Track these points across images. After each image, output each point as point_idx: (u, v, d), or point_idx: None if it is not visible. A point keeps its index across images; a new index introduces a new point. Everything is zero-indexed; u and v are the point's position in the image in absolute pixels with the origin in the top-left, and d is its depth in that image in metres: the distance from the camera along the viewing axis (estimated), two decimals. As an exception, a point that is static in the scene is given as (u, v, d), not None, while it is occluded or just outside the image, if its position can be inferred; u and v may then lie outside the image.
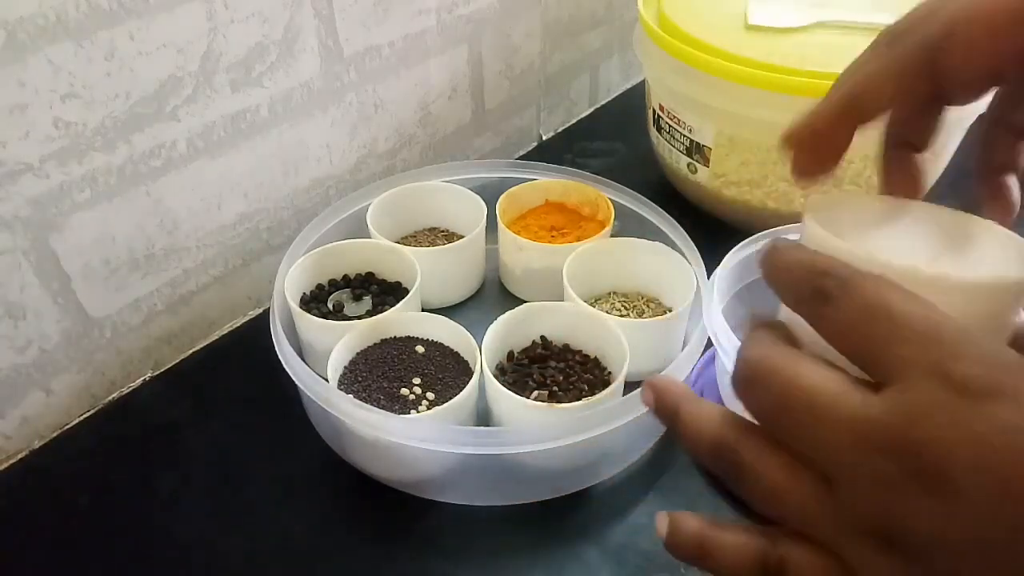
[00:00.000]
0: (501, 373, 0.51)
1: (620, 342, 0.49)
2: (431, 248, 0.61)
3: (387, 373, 0.50)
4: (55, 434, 0.53)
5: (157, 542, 0.46)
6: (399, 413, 0.47)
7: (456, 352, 0.52)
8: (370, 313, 0.56)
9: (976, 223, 0.27)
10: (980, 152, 0.30)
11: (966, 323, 0.21)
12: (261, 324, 0.52)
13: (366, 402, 0.47)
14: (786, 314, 0.25)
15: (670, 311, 0.56)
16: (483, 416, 0.50)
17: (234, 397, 0.55)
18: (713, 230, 0.59)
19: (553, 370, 0.51)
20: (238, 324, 0.62)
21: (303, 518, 0.47)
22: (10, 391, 0.50)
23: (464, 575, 0.45)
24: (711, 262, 0.52)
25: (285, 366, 0.47)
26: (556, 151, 0.83)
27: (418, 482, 0.47)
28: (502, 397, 0.47)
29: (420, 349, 0.52)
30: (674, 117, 0.64)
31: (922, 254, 0.26)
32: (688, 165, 0.65)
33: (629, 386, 0.47)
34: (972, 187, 0.30)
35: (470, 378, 0.48)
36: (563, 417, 0.45)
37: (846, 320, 0.21)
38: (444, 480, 0.47)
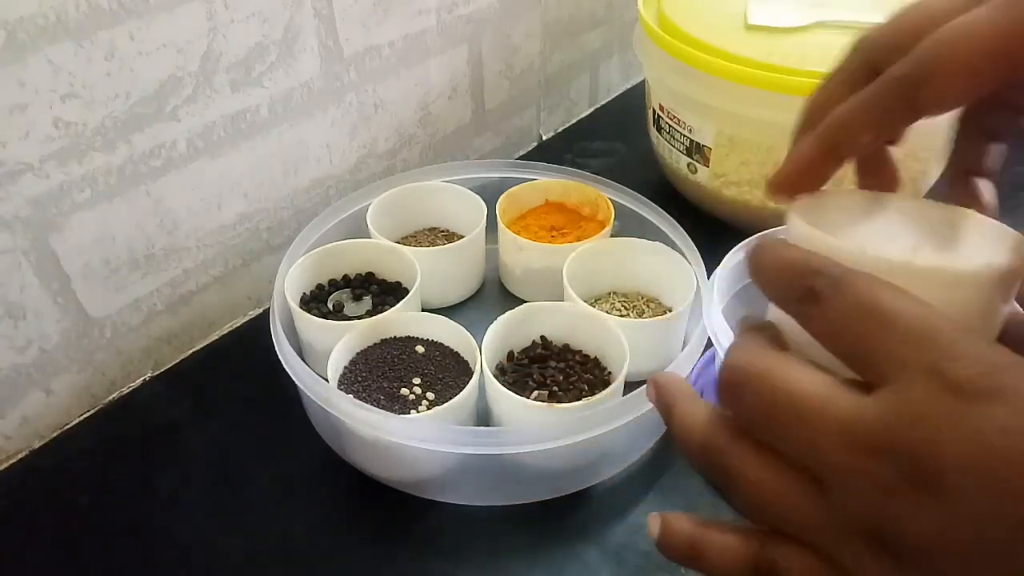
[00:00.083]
0: (501, 373, 0.51)
1: (620, 342, 0.49)
2: (431, 248, 0.61)
3: (387, 373, 0.50)
4: (55, 434, 0.53)
5: (157, 542, 0.46)
6: (399, 413, 0.47)
7: (456, 352, 0.52)
8: (370, 313, 0.56)
9: (960, 213, 0.27)
10: (952, 155, 0.30)
11: (959, 317, 0.21)
12: (261, 324, 0.52)
13: (366, 402, 0.47)
14: (775, 314, 0.25)
15: (670, 311, 0.56)
16: (483, 416, 0.50)
17: (234, 397, 0.55)
18: (713, 230, 0.59)
19: (553, 370, 0.51)
20: (238, 324, 0.62)
21: (303, 518, 0.47)
22: (10, 391, 0.50)
23: (464, 575, 0.45)
24: (711, 262, 0.52)
25: (285, 366, 0.47)
26: (556, 151, 0.83)
27: (418, 482, 0.47)
28: (502, 397, 0.47)
29: (420, 349, 0.52)
30: (674, 117, 0.64)
31: (909, 246, 0.26)
32: (688, 165, 0.65)
33: (629, 386, 0.47)
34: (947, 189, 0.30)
35: (470, 378, 0.48)
36: (563, 417, 0.45)
37: (838, 320, 0.21)
38: (444, 480, 0.47)
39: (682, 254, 0.56)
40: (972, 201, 0.29)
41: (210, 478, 0.49)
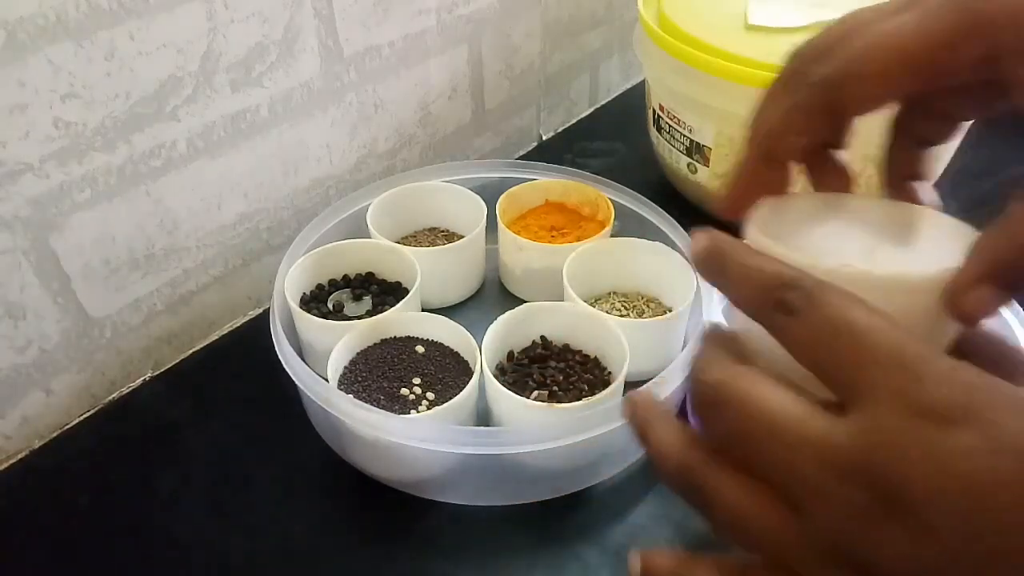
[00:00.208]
0: (501, 373, 0.51)
1: (620, 342, 0.49)
2: (431, 248, 0.61)
3: (387, 373, 0.50)
4: (55, 434, 0.53)
5: (157, 542, 0.46)
6: (399, 413, 0.47)
7: (456, 352, 0.52)
8: (370, 313, 0.56)
9: (917, 212, 0.27)
10: (885, 162, 0.30)
11: (917, 322, 0.21)
12: (261, 324, 0.52)
13: (366, 402, 0.47)
14: (740, 319, 0.25)
15: (670, 311, 0.56)
16: (483, 416, 0.50)
17: (234, 397, 0.55)
18: (713, 230, 0.59)
19: (553, 370, 0.51)
20: (238, 324, 0.62)
21: (303, 518, 0.47)
22: (10, 391, 0.50)
23: (464, 575, 0.45)
24: (711, 262, 0.52)
25: (285, 366, 0.47)
26: (556, 151, 0.83)
27: (418, 482, 0.47)
28: (502, 397, 0.47)
29: (420, 349, 0.52)
30: (674, 117, 0.64)
31: (866, 249, 0.26)
32: (688, 165, 0.65)
33: (629, 386, 0.47)
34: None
35: (470, 378, 0.48)
36: (563, 417, 0.45)
37: (809, 335, 0.21)
38: (444, 480, 0.47)
39: (682, 254, 0.56)
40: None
41: (210, 478, 0.49)
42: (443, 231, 0.65)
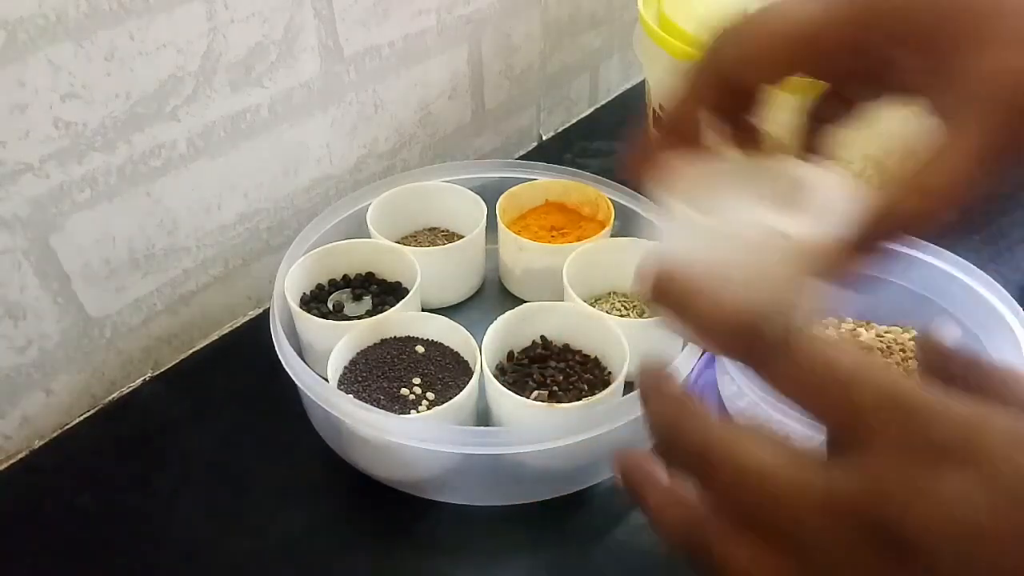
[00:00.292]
0: (501, 373, 0.51)
1: (620, 342, 0.49)
2: (431, 248, 0.61)
3: (387, 373, 0.50)
4: (55, 434, 0.53)
5: (157, 542, 0.46)
6: (399, 413, 0.47)
7: (456, 352, 0.52)
8: (370, 313, 0.56)
9: (822, 176, 0.29)
10: (796, 139, 0.32)
11: (794, 281, 0.22)
12: (261, 324, 0.52)
13: (366, 402, 0.47)
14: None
15: (670, 311, 0.56)
16: (483, 416, 0.50)
17: (234, 397, 0.55)
18: (713, 230, 0.59)
19: (553, 370, 0.51)
20: (238, 324, 0.62)
21: (303, 518, 0.47)
22: (10, 391, 0.50)
23: (464, 575, 0.45)
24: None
25: (285, 366, 0.47)
26: (556, 151, 0.83)
27: (418, 482, 0.47)
28: (502, 397, 0.47)
29: (420, 349, 0.52)
30: (674, 117, 0.64)
31: (761, 212, 0.28)
32: (688, 165, 0.65)
33: (629, 386, 0.47)
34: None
35: (470, 378, 0.48)
36: (563, 417, 0.45)
37: (794, 381, 0.21)
38: (444, 480, 0.47)
39: (682, 254, 0.56)
40: None
41: (210, 478, 0.49)
42: (443, 231, 0.65)
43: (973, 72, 0.24)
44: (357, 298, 0.58)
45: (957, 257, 0.52)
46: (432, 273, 0.57)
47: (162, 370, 0.58)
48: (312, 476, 0.50)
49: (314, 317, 0.52)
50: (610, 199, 0.61)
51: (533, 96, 0.81)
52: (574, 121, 0.89)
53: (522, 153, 0.83)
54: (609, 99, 0.93)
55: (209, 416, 0.53)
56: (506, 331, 0.52)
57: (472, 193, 0.62)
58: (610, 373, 0.52)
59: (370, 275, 0.60)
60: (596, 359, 0.53)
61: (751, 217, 0.27)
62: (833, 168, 0.31)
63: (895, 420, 0.19)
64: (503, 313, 0.52)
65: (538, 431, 0.43)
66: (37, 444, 0.52)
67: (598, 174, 0.63)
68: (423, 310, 0.56)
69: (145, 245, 0.53)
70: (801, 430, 0.22)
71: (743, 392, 0.48)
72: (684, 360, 0.47)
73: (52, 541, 0.46)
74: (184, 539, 0.46)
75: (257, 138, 0.56)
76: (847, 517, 0.19)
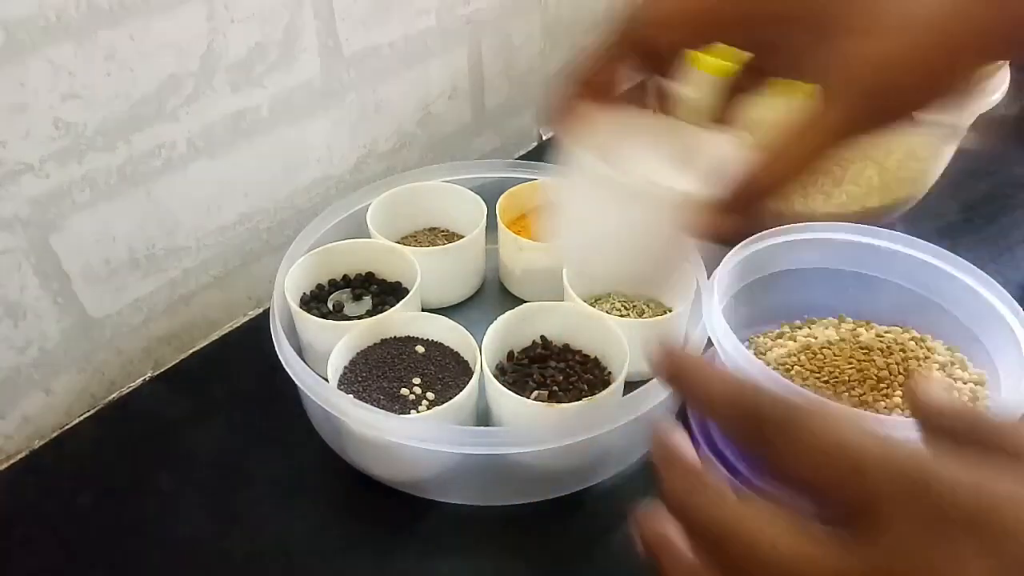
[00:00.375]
0: (501, 373, 0.51)
1: (620, 342, 0.49)
2: (431, 248, 0.61)
3: (387, 373, 0.50)
4: (55, 434, 0.53)
5: (157, 542, 0.46)
6: (399, 413, 0.47)
7: (456, 352, 0.52)
8: (370, 313, 0.56)
9: (717, 139, 0.32)
10: (710, 105, 0.36)
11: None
12: (261, 324, 0.52)
13: (366, 402, 0.47)
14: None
15: (670, 311, 0.56)
16: (483, 416, 0.50)
17: (234, 397, 0.55)
18: (713, 230, 0.59)
19: (553, 370, 0.51)
20: (238, 324, 0.62)
21: (303, 518, 0.47)
22: (10, 391, 0.50)
23: (464, 575, 0.45)
24: (711, 262, 0.52)
25: (285, 366, 0.47)
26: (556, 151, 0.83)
27: (418, 482, 0.47)
28: (502, 397, 0.47)
29: (420, 349, 0.52)
30: (674, 117, 0.64)
31: (664, 170, 0.31)
32: (688, 165, 0.65)
33: (629, 386, 0.47)
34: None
35: (470, 378, 0.48)
36: (563, 417, 0.45)
37: (802, 462, 0.21)
38: (444, 480, 0.47)
39: (682, 254, 0.56)
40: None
41: (210, 478, 0.49)
42: (443, 231, 0.65)
43: (839, 56, 0.27)
44: (357, 298, 0.58)
45: (957, 257, 0.52)
46: (432, 273, 0.57)
47: (162, 370, 0.58)
48: (312, 476, 0.50)
49: (314, 317, 0.52)
50: (610, 199, 0.61)
51: (533, 96, 0.81)
52: (574, 121, 0.89)
53: (522, 153, 0.83)
54: (609, 99, 0.93)
55: (209, 416, 0.53)
56: (506, 331, 0.52)
57: (472, 193, 0.62)
58: (610, 373, 0.52)
59: (370, 275, 0.60)
60: (596, 359, 0.53)
61: (646, 171, 0.30)
62: (735, 134, 0.33)
63: (911, 499, 0.19)
64: (503, 313, 0.52)
65: (538, 431, 0.43)
66: (37, 444, 0.52)
67: (598, 174, 0.63)
68: (423, 310, 0.56)
69: (145, 245, 0.53)
70: None
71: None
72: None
73: (52, 541, 0.46)
74: (184, 539, 0.46)
75: (257, 138, 0.56)
76: None
